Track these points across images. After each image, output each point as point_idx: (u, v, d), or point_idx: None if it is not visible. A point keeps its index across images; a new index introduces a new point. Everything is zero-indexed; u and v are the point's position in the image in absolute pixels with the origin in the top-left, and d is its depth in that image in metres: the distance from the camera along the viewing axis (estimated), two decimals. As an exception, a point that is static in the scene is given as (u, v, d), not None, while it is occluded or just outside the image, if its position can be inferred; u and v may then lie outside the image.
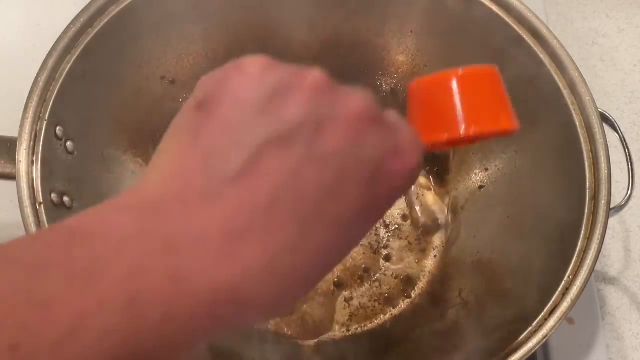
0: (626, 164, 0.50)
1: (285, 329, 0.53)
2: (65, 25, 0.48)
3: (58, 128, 0.46)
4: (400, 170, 0.26)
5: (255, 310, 0.22)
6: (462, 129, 0.32)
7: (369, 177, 0.24)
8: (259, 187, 0.22)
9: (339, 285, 0.55)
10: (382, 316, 0.54)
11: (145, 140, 0.54)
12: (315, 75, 0.25)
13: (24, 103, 0.45)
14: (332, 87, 0.25)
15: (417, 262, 0.56)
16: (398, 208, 0.58)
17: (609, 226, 0.45)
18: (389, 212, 0.57)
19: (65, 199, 0.45)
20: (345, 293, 0.54)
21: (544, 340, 0.42)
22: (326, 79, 0.25)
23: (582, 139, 0.48)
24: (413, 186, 0.59)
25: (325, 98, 0.24)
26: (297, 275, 0.23)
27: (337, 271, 0.55)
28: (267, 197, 0.22)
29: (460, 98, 0.32)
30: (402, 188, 0.26)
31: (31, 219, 0.42)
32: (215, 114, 0.24)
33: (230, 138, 0.23)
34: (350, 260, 0.56)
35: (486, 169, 0.57)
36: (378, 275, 0.55)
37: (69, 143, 0.47)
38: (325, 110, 0.24)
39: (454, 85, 0.32)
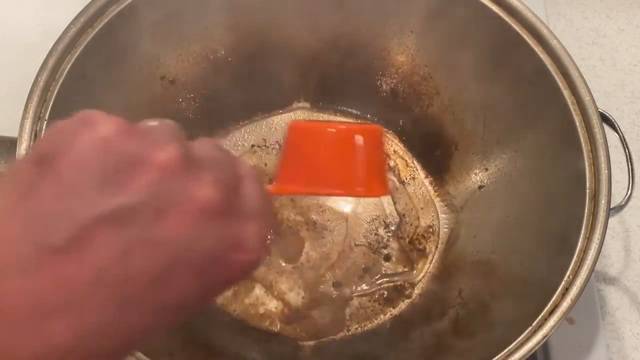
0: (626, 164, 0.50)
1: (286, 330, 0.53)
2: (65, 25, 0.48)
3: (58, 128, 0.46)
4: (237, 266, 0.25)
5: None
6: (326, 189, 0.30)
7: (202, 269, 0.23)
8: (83, 264, 0.21)
9: (339, 285, 0.55)
10: (382, 316, 0.54)
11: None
12: (170, 152, 0.23)
13: (24, 103, 0.45)
14: (185, 168, 0.23)
15: (417, 262, 0.56)
16: (398, 209, 0.58)
17: (609, 226, 0.45)
18: (389, 213, 0.57)
19: (65, 199, 0.45)
20: (345, 293, 0.54)
21: (544, 340, 0.42)
22: (180, 158, 0.23)
23: (582, 139, 0.48)
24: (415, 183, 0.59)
25: (175, 181, 0.23)
26: (106, 355, 0.22)
27: (337, 271, 0.55)
28: (89, 276, 0.21)
29: (333, 155, 0.31)
30: (237, 279, 0.25)
31: (31, 219, 0.42)
32: (52, 174, 0.22)
33: (63, 205, 0.21)
34: (351, 260, 0.56)
35: (486, 169, 0.57)
36: (378, 275, 0.55)
37: (69, 143, 0.47)
38: (170, 195, 0.22)
39: (331, 140, 0.31)
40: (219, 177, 0.24)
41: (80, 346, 0.21)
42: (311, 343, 0.53)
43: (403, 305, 0.54)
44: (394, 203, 0.58)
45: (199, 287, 0.23)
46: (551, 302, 0.43)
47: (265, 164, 0.59)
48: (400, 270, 0.56)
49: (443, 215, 0.58)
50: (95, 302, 0.21)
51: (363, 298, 0.54)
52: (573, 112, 0.49)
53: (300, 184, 0.31)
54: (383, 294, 0.55)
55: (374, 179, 0.32)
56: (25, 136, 0.44)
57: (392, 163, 0.60)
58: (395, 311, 0.54)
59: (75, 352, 0.21)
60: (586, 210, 0.46)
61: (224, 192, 0.24)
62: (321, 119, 0.61)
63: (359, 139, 0.31)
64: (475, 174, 0.57)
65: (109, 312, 0.21)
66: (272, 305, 0.53)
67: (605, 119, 0.49)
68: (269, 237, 0.26)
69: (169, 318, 0.23)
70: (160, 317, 0.23)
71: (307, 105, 0.62)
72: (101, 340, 0.21)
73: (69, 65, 0.47)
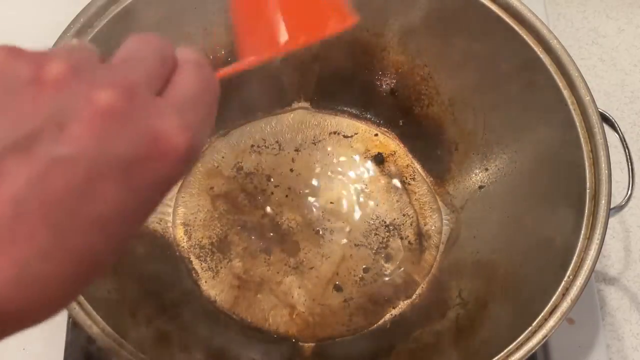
0: (626, 164, 0.50)
1: (286, 330, 0.53)
2: (66, 26, 0.48)
3: (58, 128, 0.46)
4: (163, 159, 0.23)
5: (16, 322, 0.22)
6: (293, 42, 0.27)
7: (124, 171, 0.22)
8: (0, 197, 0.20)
9: (339, 285, 0.55)
10: (382, 316, 0.54)
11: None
12: (57, 65, 0.23)
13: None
14: (76, 77, 0.23)
15: (417, 262, 0.56)
16: (398, 209, 0.58)
17: (609, 226, 0.45)
18: (389, 213, 0.57)
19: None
20: (345, 293, 0.54)
21: (544, 340, 0.42)
22: (69, 68, 0.23)
23: (582, 139, 0.48)
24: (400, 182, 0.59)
25: (68, 92, 0.22)
26: (55, 281, 0.22)
27: (337, 272, 0.55)
28: (9, 208, 0.20)
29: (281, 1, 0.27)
30: (173, 174, 0.24)
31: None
32: None
33: None
34: (351, 260, 0.56)
35: (486, 169, 0.57)
36: (378, 275, 0.55)
37: (69, 143, 0.47)
38: (68, 107, 0.22)
39: None
40: (123, 77, 0.24)
41: (23, 276, 0.21)
42: (311, 344, 0.53)
43: (403, 305, 0.54)
44: (394, 203, 0.58)
45: (131, 191, 0.23)
46: (551, 302, 0.43)
47: (261, 152, 0.59)
48: (400, 270, 0.56)
49: (443, 215, 0.58)
50: (24, 231, 0.21)
51: (363, 298, 0.54)
52: (573, 112, 0.49)
53: (265, 47, 0.28)
54: (383, 294, 0.55)
55: (332, 13, 0.29)
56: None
57: (392, 163, 0.60)
58: (395, 311, 0.54)
59: (20, 283, 0.21)
60: (586, 210, 0.46)
61: (126, 91, 0.23)
62: (321, 119, 0.61)
63: None
64: (475, 174, 0.57)
65: (42, 237, 0.21)
66: (273, 306, 0.53)
67: (605, 119, 0.49)
68: (204, 123, 0.25)
69: (115, 230, 0.23)
70: (105, 231, 0.22)
71: (307, 105, 0.62)
72: (43, 265, 0.21)
73: (69, 66, 0.47)
